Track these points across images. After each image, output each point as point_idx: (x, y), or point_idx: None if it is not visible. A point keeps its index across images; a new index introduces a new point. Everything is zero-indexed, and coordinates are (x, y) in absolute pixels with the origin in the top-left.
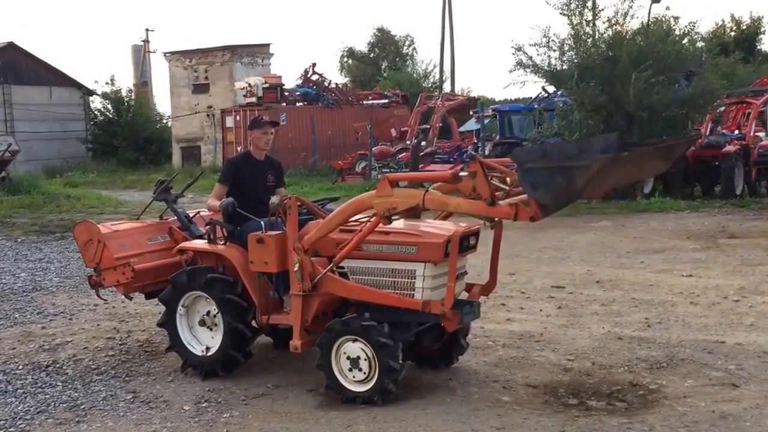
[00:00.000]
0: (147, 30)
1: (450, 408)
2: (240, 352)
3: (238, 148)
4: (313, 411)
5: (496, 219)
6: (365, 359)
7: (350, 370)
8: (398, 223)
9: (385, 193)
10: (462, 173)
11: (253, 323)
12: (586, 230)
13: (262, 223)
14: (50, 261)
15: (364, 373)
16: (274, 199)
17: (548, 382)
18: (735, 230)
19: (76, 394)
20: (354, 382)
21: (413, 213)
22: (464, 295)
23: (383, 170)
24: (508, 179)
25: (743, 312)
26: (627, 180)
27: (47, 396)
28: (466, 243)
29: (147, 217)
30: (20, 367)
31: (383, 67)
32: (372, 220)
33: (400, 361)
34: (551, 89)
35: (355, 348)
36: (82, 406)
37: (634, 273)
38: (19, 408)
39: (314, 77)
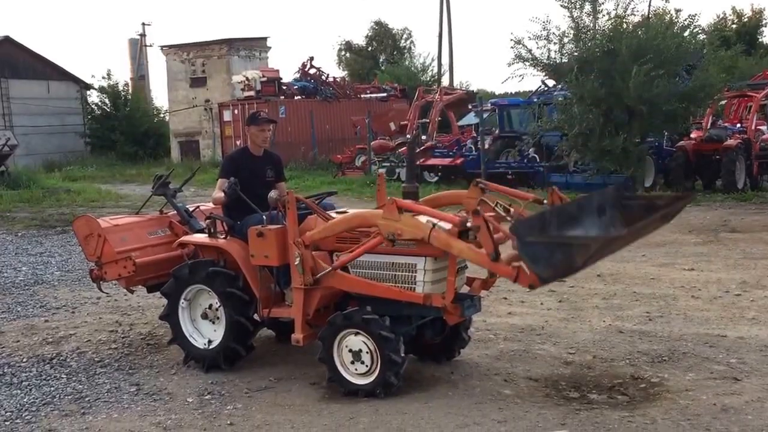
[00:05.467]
0: (143, 24)
1: (452, 401)
2: (242, 345)
3: (237, 142)
4: (316, 403)
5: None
6: (367, 352)
7: (352, 362)
8: None
9: (392, 217)
10: (468, 223)
11: (255, 316)
12: None
13: (263, 216)
14: (51, 255)
15: (367, 366)
16: (273, 194)
17: (549, 376)
18: (737, 224)
19: (80, 386)
20: (356, 374)
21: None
22: (465, 289)
23: (383, 164)
24: (512, 209)
25: (745, 306)
26: (627, 245)
27: (52, 388)
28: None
29: (146, 212)
30: (24, 360)
31: (381, 60)
32: (375, 237)
33: (402, 354)
34: (551, 83)
35: (357, 341)
36: (87, 398)
37: (635, 267)
38: (25, 400)
39: (312, 71)
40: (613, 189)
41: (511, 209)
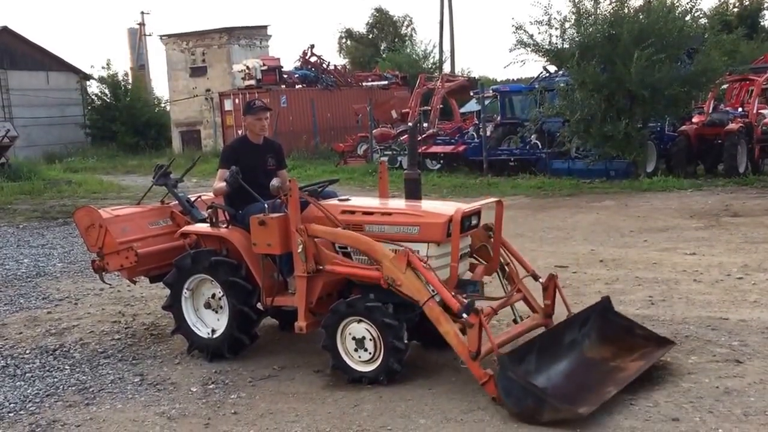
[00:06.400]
0: (142, 13)
1: (456, 386)
2: (246, 334)
3: (239, 132)
4: (320, 391)
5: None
6: (370, 339)
7: (356, 350)
8: (400, 204)
9: (399, 267)
10: (464, 315)
11: (259, 305)
12: (589, 210)
13: (265, 204)
14: (53, 247)
15: (370, 353)
16: (275, 182)
17: None
18: (738, 208)
19: (84, 377)
20: (360, 362)
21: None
22: (468, 275)
23: (385, 153)
24: (507, 268)
25: (747, 289)
26: None
27: (55, 379)
28: (468, 222)
29: (148, 202)
30: (27, 352)
31: (382, 48)
32: (374, 270)
33: (405, 341)
34: (552, 69)
35: (360, 329)
36: (91, 389)
37: (638, 252)
38: (29, 391)
39: (313, 59)
40: (605, 300)
41: (507, 268)
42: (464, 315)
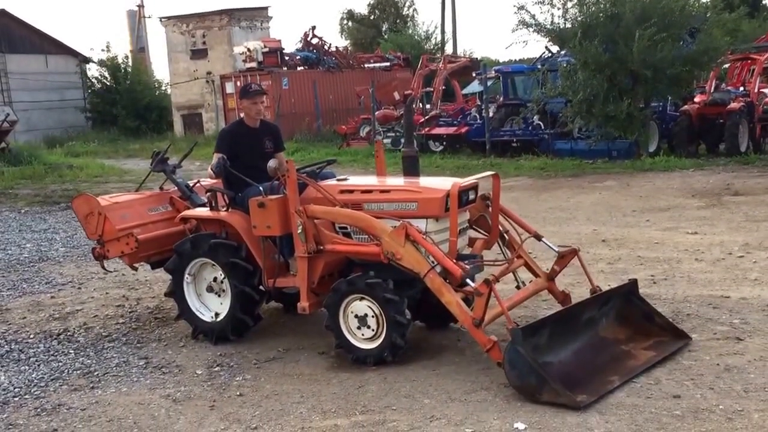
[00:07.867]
0: None
1: (460, 367)
2: (249, 315)
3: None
4: (325, 373)
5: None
6: (372, 316)
7: (359, 328)
8: (397, 181)
9: (398, 241)
10: (469, 282)
11: (261, 287)
12: (591, 190)
13: (261, 188)
14: (55, 231)
15: (373, 330)
16: (272, 163)
17: None
18: (739, 187)
19: (88, 361)
20: (363, 339)
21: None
22: (468, 250)
23: (388, 134)
24: (507, 236)
25: (747, 267)
26: None
27: (60, 363)
28: (465, 197)
29: (152, 187)
30: (32, 336)
31: (384, 29)
32: (374, 245)
33: (407, 316)
34: (555, 49)
35: (362, 306)
36: (96, 373)
37: (640, 231)
38: (33, 376)
39: (314, 41)
40: (631, 283)
41: (506, 236)
42: (468, 281)
